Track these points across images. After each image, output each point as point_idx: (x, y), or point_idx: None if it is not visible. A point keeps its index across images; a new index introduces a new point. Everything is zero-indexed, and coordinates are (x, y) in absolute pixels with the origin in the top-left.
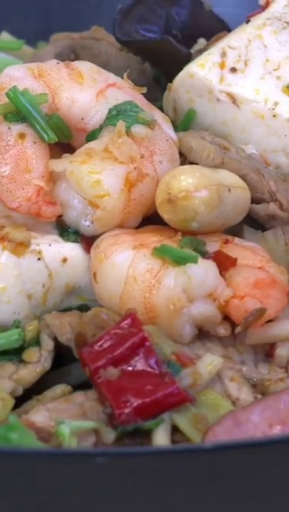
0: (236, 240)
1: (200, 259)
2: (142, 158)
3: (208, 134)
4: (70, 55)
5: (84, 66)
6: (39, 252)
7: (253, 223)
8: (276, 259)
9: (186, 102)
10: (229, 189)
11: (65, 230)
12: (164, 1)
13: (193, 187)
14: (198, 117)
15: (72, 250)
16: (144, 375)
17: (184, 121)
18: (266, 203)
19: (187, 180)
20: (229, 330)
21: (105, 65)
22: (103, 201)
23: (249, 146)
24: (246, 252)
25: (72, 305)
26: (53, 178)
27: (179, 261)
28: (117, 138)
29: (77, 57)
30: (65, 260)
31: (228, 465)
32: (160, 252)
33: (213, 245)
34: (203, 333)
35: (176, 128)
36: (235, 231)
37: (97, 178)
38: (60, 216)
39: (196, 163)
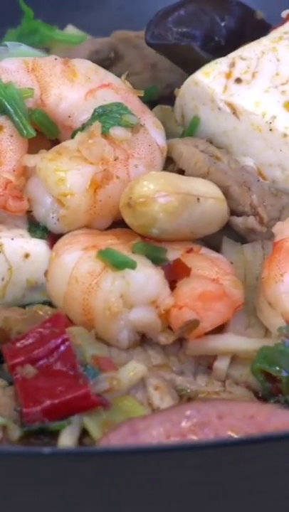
0: (203, 249)
1: (143, 266)
2: (115, 160)
3: (202, 143)
4: (109, 53)
5: (81, 64)
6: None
7: (236, 235)
8: (251, 273)
9: (191, 109)
10: (198, 199)
11: (34, 225)
12: (210, 7)
13: (153, 193)
14: (201, 125)
15: (36, 246)
16: (61, 376)
17: (189, 128)
18: (246, 216)
19: (149, 186)
20: (170, 339)
21: (153, 66)
22: (67, 200)
23: (248, 158)
24: (205, 262)
25: (36, 301)
26: (27, 173)
27: (118, 265)
28: (87, 138)
29: (118, 57)
30: (27, 255)
31: (64, 471)
32: (103, 255)
33: (175, 253)
34: (146, 340)
35: (183, 134)
36: (213, 241)
37: (62, 176)
38: (31, 211)
39: (184, 171)
